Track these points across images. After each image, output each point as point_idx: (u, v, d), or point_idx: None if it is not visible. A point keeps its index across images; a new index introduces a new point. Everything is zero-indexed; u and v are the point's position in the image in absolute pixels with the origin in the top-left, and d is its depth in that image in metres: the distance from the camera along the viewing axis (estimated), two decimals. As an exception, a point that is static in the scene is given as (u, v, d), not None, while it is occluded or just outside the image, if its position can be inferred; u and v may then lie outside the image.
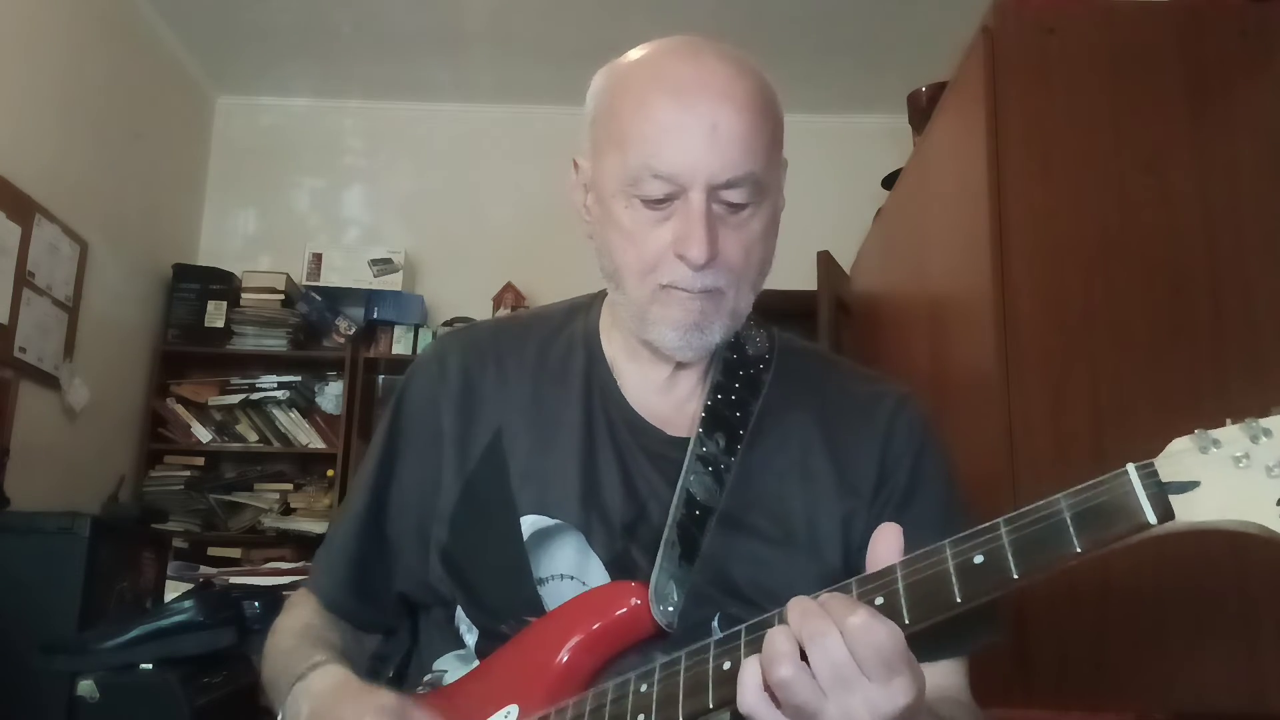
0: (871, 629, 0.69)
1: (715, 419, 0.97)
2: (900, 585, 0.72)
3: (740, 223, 0.91)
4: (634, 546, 0.93)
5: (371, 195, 4.62)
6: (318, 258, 4.34)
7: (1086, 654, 1.65)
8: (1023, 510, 0.71)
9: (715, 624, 0.90)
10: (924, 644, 0.92)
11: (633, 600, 0.89)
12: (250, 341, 4.19)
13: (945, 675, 0.95)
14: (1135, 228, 1.81)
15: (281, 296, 4.22)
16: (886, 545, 0.76)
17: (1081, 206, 1.82)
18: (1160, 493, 0.67)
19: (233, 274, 4.25)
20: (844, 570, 0.90)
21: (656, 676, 0.80)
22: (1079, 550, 0.68)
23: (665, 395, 1.01)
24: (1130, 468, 0.68)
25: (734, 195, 0.90)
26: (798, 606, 0.72)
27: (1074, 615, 1.66)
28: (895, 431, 0.99)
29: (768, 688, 0.70)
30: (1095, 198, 1.83)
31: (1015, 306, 1.79)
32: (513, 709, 0.89)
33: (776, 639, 0.71)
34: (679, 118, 0.88)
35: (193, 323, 4.13)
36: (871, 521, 0.95)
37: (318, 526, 3.96)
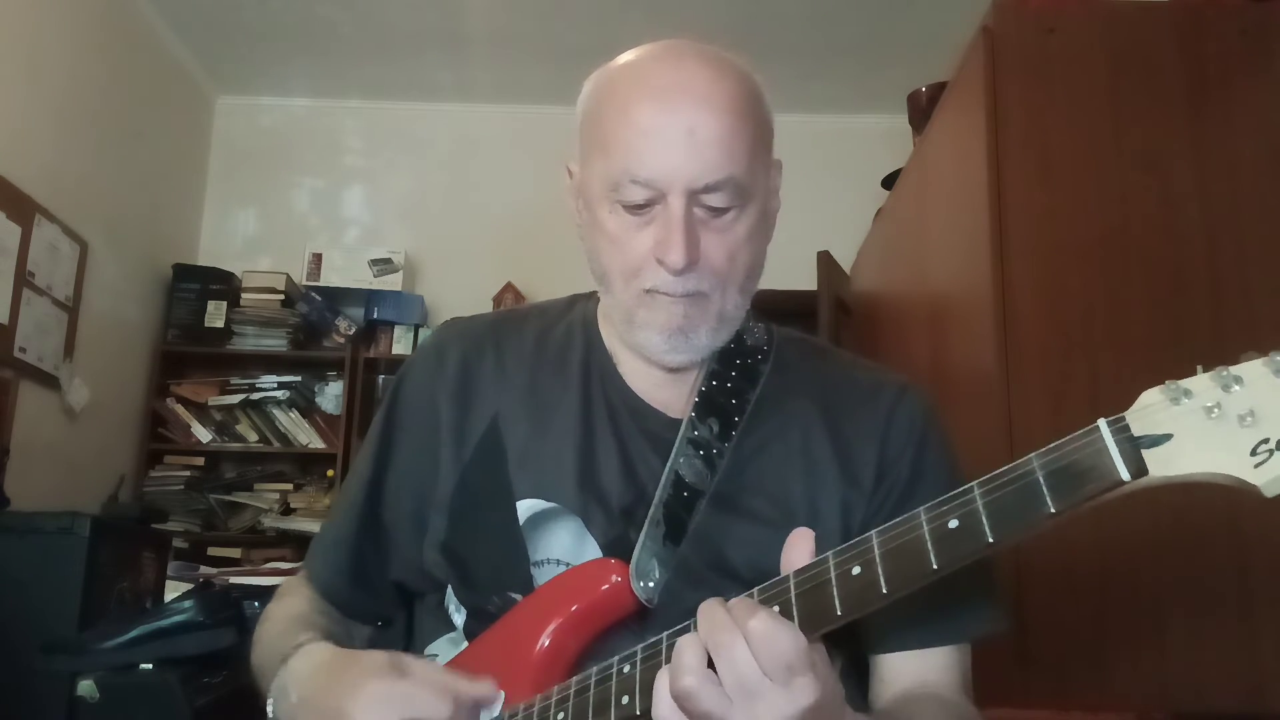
0: (772, 633, 0.69)
1: (709, 405, 0.98)
2: (876, 554, 0.72)
3: (723, 226, 0.91)
4: (632, 529, 0.93)
5: (371, 195, 4.62)
6: (318, 258, 4.34)
7: (1086, 653, 1.65)
8: (996, 472, 0.70)
9: None
10: (917, 630, 0.93)
11: (613, 577, 0.89)
12: (250, 341, 4.19)
13: (938, 668, 0.94)
14: (1135, 228, 1.81)
15: (281, 296, 4.22)
16: (799, 552, 0.77)
17: (1081, 206, 1.82)
18: (1133, 448, 0.65)
19: (233, 274, 4.25)
20: None
21: (639, 658, 0.80)
22: (1053, 511, 0.66)
23: (666, 383, 1.01)
24: (1102, 423, 0.67)
25: (715, 199, 0.90)
26: (706, 614, 0.73)
27: (1074, 615, 1.66)
28: (896, 420, 0.99)
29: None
30: (1095, 198, 1.83)
31: (1015, 306, 1.79)
32: (499, 695, 0.89)
33: (683, 651, 0.72)
34: (656, 122, 0.89)
35: (193, 323, 4.14)
36: (872, 513, 0.96)
37: (318, 526, 3.93)
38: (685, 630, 0.78)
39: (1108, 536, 1.63)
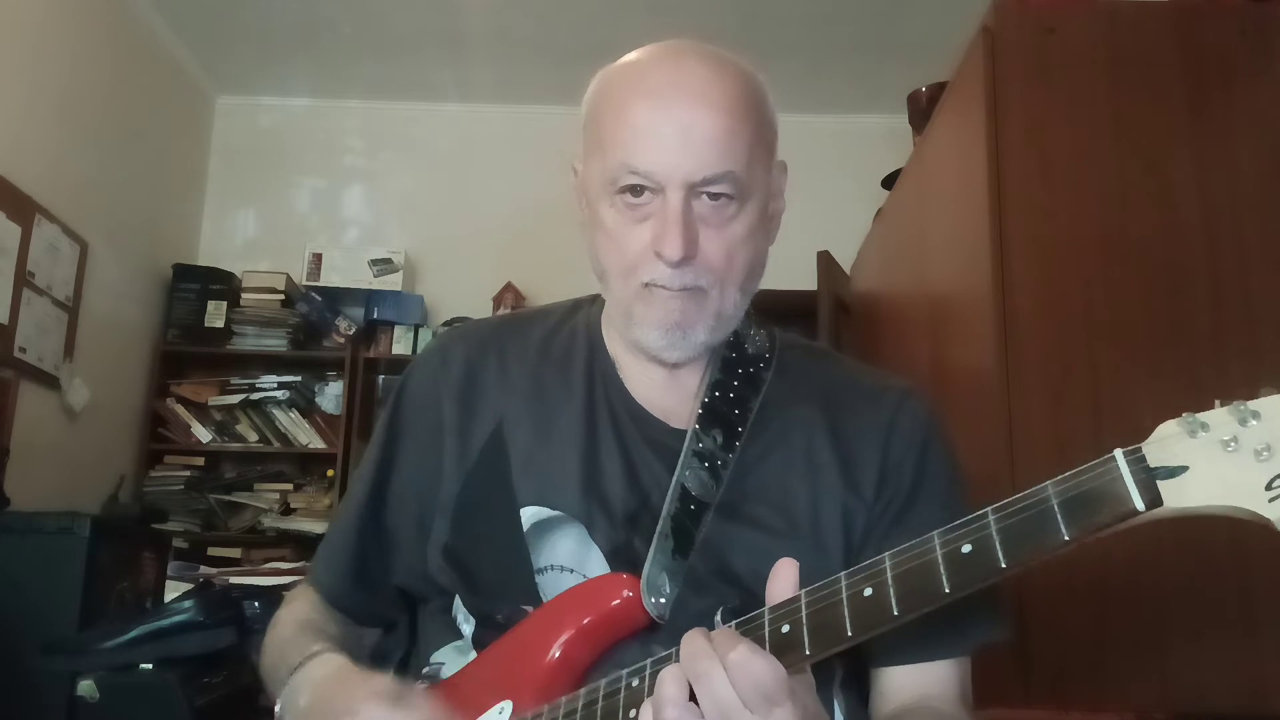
0: (750, 663, 0.70)
1: (712, 416, 0.98)
2: (889, 576, 0.73)
3: (722, 223, 0.92)
4: (637, 537, 0.93)
5: (371, 195, 4.62)
6: (318, 258, 4.34)
7: (1086, 654, 1.65)
8: (1011, 499, 0.70)
9: (718, 618, 0.90)
10: (917, 644, 0.92)
11: (624, 592, 0.89)
12: (250, 341, 4.19)
13: (937, 681, 0.93)
14: (1135, 228, 1.81)
15: (281, 296, 4.22)
16: (784, 580, 0.78)
17: (1081, 206, 1.82)
18: (1148, 479, 0.65)
19: (233, 274, 4.25)
20: (844, 562, 0.89)
21: (648, 672, 0.80)
22: (1067, 539, 0.67)
23: (668, 389, 1.01)
24: (1118, 453, 0.67)
25: (713, 189, 0.90)
26: (689, 644, 0.74)
27: (1074, 615, 1.66)
28: (898, 425, 0.99)
29: None
30: (1095, 198, 1.83)
31: (1015, 306, 1.79)
32: (506, 705, 0.89)
33: (665, 683, 0.73)
34: (653, 119, 0.90)
35: (193, 323, 4.14)
36: (874, 520, 0.96)
37: (318, 526, 3.96)
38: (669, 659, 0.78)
39: (1108, 536, 1.63)
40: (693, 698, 0.72)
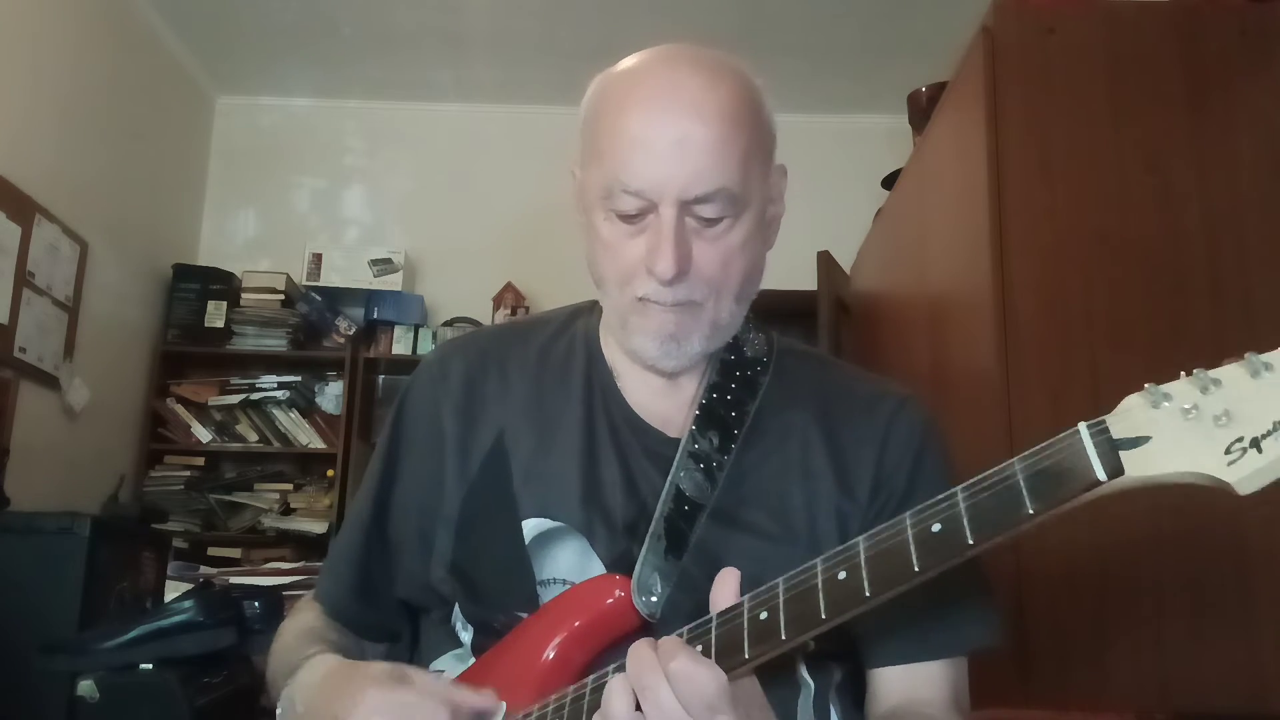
0: (691, 672, 0.71)
1: (709, 418, 0.98)
2: (862, 559, 0.73)
3: (716, 235, 0.91)
4: (635, 546, 0.94)
5: (371, 195, 4.62)
6: (318, 258, 4.34)
7: (1086, 653, 1.65)
8: (980, 476, 0.71)
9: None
10: (906, 644, 0.92)
11: (616, 593, 0.90)
12: (250, 341, 4.19)
13: (928, 683, 0.93)
14: (1135, 228, 1.81)
15: (281, 296, 4.22)
16: (725, 589, 0.79)
17: (1081, 206, 1.83)
18: (1111, 450, 0.66)
19: (233, 274, 4.25)
20: None
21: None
22: (1031, 512, 0.67)
23: (665, 397, 1.01)
24: (1082, 426, 0.68)
25: (707, 210, 0.89)
26: (635, 655, 0.75)
27: (1073, 615, 1.66)
28: (894, 432, 0.99)
29: None
30: (1095, 198, 1.83)
31: (1015, 306, 1.79)
32: (500, 706, 0.89)
33: (611, 697, 0.75)
34: (645, 132, 0.89)
35: (193, 323, 4.14)
36: (868, 525, 0.95)
37: (318, 526, 3.96)
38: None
39: (1108, 536, 1.63)
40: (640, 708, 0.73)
